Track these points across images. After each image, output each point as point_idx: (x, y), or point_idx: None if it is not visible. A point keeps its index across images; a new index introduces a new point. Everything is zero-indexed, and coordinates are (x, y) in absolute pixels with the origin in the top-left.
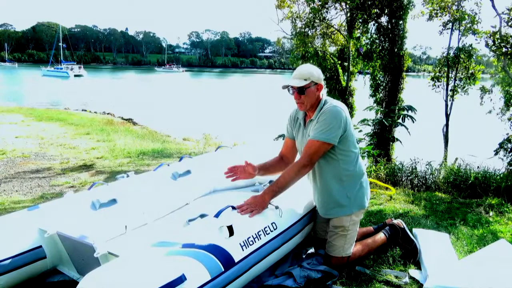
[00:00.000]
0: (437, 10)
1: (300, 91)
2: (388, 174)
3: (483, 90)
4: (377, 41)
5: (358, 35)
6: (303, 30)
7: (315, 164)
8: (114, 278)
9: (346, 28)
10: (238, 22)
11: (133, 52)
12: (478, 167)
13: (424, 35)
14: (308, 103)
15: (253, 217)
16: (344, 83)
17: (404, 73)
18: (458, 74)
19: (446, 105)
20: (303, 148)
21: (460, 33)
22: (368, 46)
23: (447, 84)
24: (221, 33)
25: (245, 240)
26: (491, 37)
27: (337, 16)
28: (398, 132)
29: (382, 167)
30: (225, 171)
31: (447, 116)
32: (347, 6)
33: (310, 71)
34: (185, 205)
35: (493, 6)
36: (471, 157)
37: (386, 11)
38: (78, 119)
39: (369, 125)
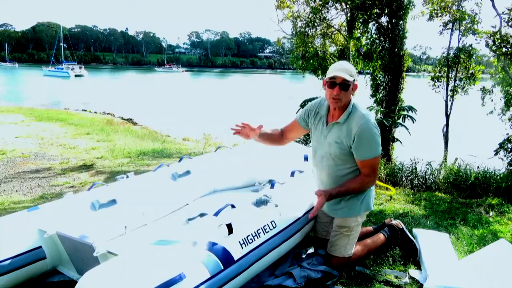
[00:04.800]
0: (437, 10)
1: (344, 87)
2: (388, 174)
3: (484, 91)
4: (377, 41)
5: (358, 35)
6: (303, 30)
7: (333, 165)
8: (112, 276)
9: (346, 28)
10: (238, 22)
11: (133, 52)
12: (478, 167)
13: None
14: (344, 100)
15: (253, 215)
16: None
17: (404, 73)
18: (458, 74)
19: (446, 105)
20: (318, 146)
21: (460, 33)
22: (368, 46)
23: (447, 84)
24: (221, 33)
25: (245, 238)
26: (491, 37)
27: (337, 16)
28: (398, 132)
29: (382, 167)
30: (236, 125)
31: (447, 116)
32: (347, 6)
33: (353, 69)
34: (185, 206)
35: (493, 6)
36: (471, 157)
37: (386, 11)
38: (78, 119)
39: None
